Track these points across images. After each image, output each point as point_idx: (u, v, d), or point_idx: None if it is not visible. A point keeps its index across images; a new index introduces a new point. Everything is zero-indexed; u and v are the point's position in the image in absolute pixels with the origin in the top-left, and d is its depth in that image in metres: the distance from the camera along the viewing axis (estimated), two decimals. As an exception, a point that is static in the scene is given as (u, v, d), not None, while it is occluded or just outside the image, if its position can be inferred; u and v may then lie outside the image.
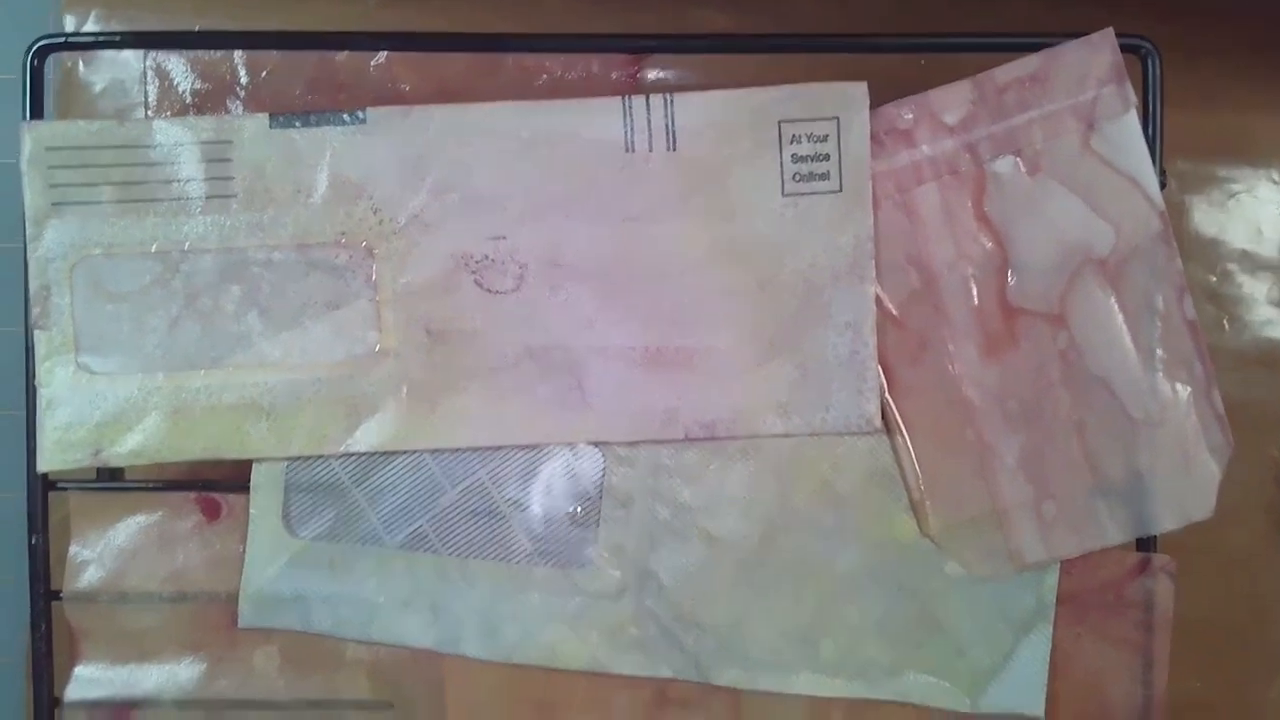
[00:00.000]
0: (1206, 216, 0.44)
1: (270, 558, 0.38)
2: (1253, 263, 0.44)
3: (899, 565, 0.38)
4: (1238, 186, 0.44)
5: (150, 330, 0.38)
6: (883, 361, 0.38)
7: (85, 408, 0.37)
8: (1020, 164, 0.37)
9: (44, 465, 0.37)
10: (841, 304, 0.38)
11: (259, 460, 0.38)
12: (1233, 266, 0.44)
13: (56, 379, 0.37)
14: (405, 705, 0.39)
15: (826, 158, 0.37)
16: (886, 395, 0.38)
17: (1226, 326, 0.43)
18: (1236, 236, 0.44)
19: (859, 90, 0.37)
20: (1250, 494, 0.43)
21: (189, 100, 0.44)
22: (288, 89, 0.43)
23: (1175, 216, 0.38)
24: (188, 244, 0.37)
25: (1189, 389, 0.37)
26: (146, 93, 0.44)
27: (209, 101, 0.44)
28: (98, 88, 0.44)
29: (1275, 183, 0.44)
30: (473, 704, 0.39)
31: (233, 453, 0.38)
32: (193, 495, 0.39)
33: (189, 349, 0.38)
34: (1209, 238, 0.44)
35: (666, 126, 0.37)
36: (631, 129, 0.37)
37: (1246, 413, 0.43)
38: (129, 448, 0.37)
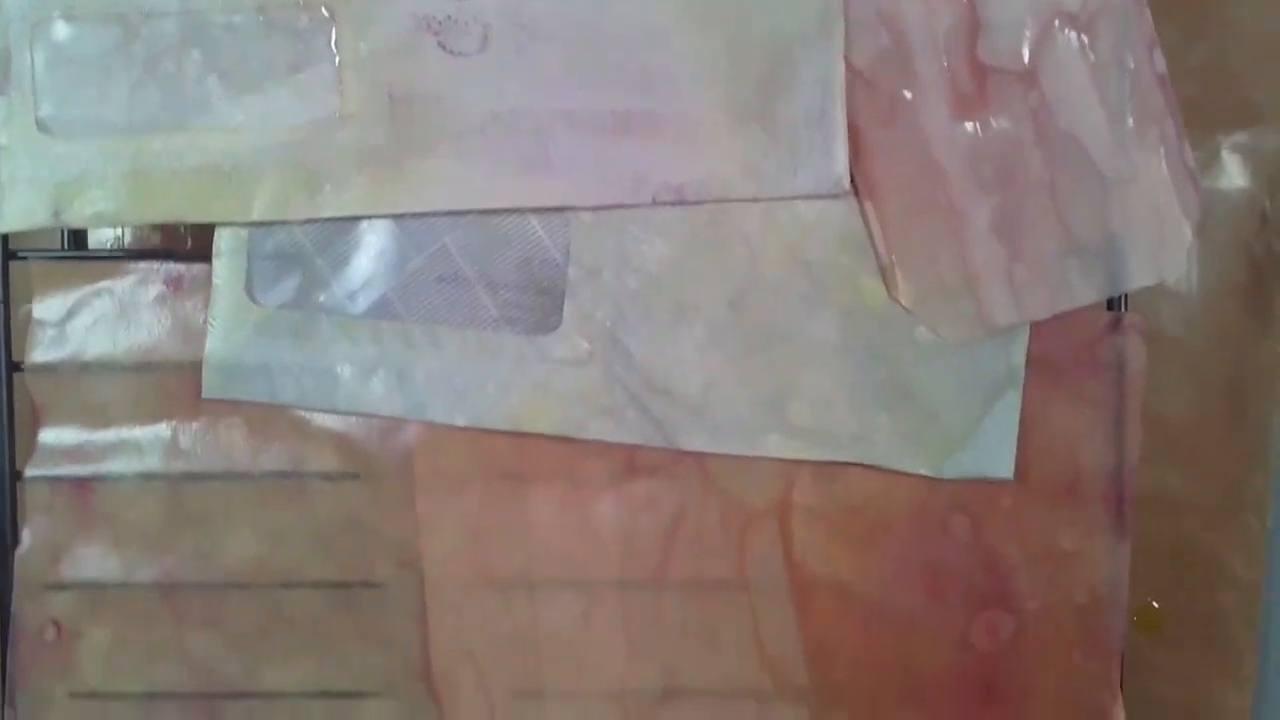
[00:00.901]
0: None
1: (234, 327, 0.38)
2: (1227, 52, 0.43)
3: (869, 331, 0.38)
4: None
5: (111, 94, 0.37)
6: (852, 123, 0.37)
7: (46, 169, 0.37)
8: (990, -80, 0.37)
9: (4, 226, 0.37)
10: (810, 64, 0.37)
11: (222, 225, 0.38)
12: (1206, 51, 0.43)
13: (16, 141, 0.37)
14: (373, 476, 0.39)
15: (793, -89, 0.37)
16: (855, 158, 0.37)
17: (1203, 111, 0.43)
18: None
19: None
20: (1224, 280, 0.43)
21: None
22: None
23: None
24: (148, 7, 0.37)
25: (1160, 145, 0.37)
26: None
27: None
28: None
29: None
30: (441, 475, 0.38)
31: (195, 217, 0.37)
32: (156, 264, 0.38)
33: (150, 112, 0.37)
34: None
35: (631, -117, 0.37)
36: (595, -114, 0.37)
37: (1222, 198, 0.43)
38: (90, 210, 0.37)
